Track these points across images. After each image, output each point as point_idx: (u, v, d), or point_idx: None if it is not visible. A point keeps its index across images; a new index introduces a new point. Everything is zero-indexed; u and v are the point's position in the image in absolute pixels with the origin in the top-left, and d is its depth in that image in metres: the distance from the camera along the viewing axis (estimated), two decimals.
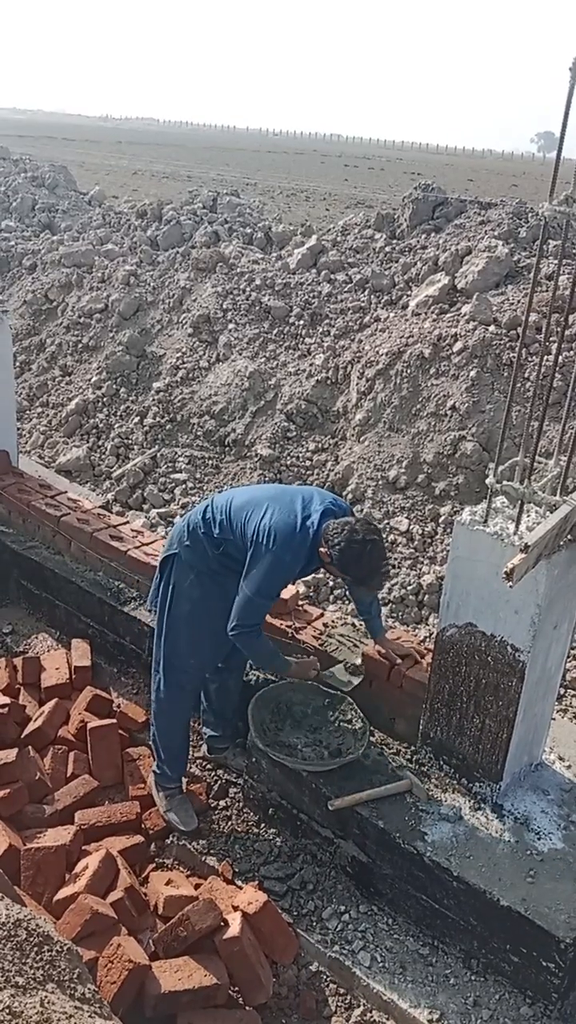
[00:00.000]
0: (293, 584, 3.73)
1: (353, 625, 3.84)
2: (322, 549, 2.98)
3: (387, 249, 8.56)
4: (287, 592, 3.65)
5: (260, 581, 3.04)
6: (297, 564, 3.06)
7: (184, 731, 3.52)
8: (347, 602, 5.39)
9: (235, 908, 2.88)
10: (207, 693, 3.65)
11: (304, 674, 3.42)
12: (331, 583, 5.51)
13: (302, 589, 5.15)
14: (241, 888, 3.06)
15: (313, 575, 5.17)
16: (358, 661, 3.50)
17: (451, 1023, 2.68)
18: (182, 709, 3.48)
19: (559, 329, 3.44)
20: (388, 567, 3.11)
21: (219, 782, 3.66)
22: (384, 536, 2.99)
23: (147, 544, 4.44)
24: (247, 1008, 2.77)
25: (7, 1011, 1.78)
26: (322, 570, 3.26)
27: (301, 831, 3.30)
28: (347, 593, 5.44)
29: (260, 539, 3.02)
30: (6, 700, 3.78)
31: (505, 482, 2.79)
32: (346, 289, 8.00)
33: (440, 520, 5.84)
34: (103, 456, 7.32)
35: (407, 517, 5.93)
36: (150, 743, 3.62)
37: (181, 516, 6.37)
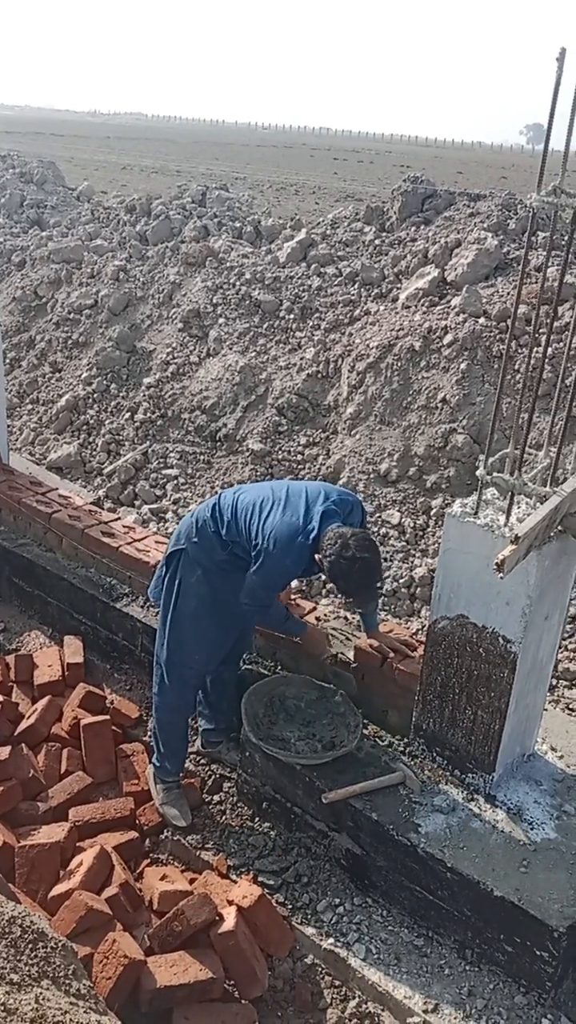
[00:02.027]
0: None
1: (346, 619, 3.85)
2: (317, 555, 2.98)
3: (376, 242, 8.55)
4: None
5: (265, 579, 3.10)
6: (299, 567, 3.08)
7: (184, 726, 3.54)
8: (341, 596, 5.39)
9: (230, 902, 2.89)
10: (203, 685, 3.66)
11: (317, 643, 3.49)
12: (324, 577, 5.51)
13: (295, 583, 5.15)
14: (236, 882, 3.06)
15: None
16: (351, 655, 3.51)
17: (446, 1013, 2.69)
18: (184, 704, 3.49)
19: (548, 320, 3.44)
20: (379, 586, 3.11)
21: (213, 777, 3.66)
22: (379, 542, 3.00)
23: (139, 540, 4.43)
24: (243, 1002, 2.78)
25: (2, 1008, 1.78)
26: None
27: (295, 825, 3.30)
28: None
29: (263, 542, 3.03)
30: None
31: (495, 474, 2.79)
32: (336, 282, 7.99)
33: (431, 513, 5.85)
34: (94, 452, 7.31)
35: (398, 510, 5.94)
36: (149, 737, 3.62)
37: (173, 511, 6.39)
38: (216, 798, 3.57)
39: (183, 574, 3.30)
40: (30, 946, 2.07)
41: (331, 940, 2.95)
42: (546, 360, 3.00)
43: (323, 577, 5.32)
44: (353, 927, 2.98)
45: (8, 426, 5.97)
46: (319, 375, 7.11)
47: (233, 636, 3.46)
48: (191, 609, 3.30)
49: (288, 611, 3.41)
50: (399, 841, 2.92)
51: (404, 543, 5.68)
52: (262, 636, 3.78)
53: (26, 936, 2.08)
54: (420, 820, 2.97)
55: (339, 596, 3.42)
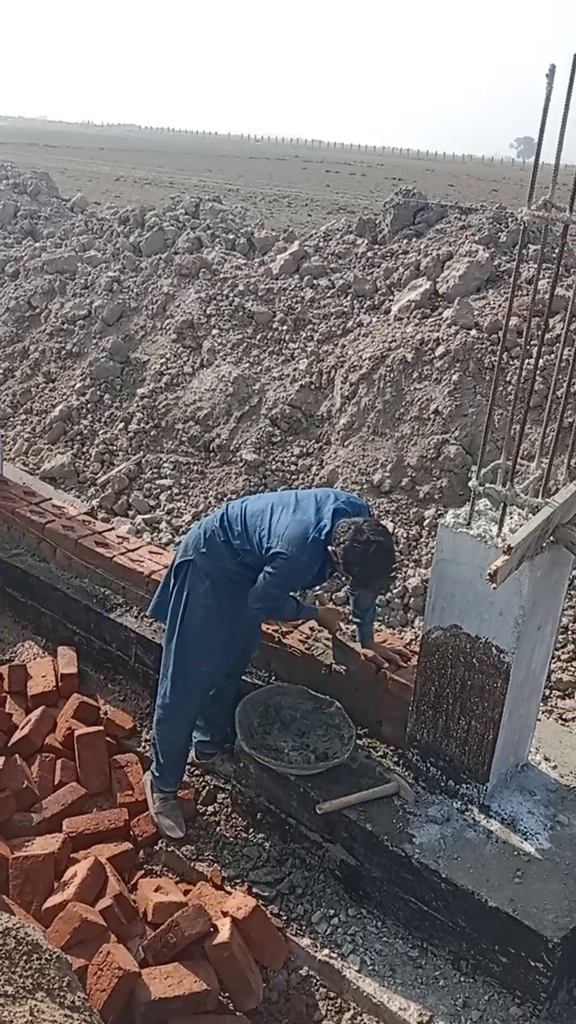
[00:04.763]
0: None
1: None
2: (330, 548, 3.00)
3: (369, 254, 8.59)
4: None
5: (280, 579, 3.11)
6: (315, 563, 3.09)
7: (186, 739, 3.53)
8: (355, 586, 5.37)
9: (224, 914, 2.88)
10: (206, 699, 3.65)
11: (332, 621, 3.57)
12: (317, 588, 5.52)
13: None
14: (230, 893, 3.06)
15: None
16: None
17: None
18: (187, 717, 3.47)
19: (539, 332, 3.47)
20: (393, 571, 3.13)
21: (207, 788, 3.65)
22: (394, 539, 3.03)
23: (133, 550, 4.44)
24: (237, 1014, 2.77)
25: None
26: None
27: (290, 835, 3.30)
28: (344, 593, 5.45)
29: (276, 544, 3.04)
30: None
31: (488, 485, 2.81)
32: (329, 294, 8.03)
33: (424, 523, 5.87)
34: (88, 463, 7.31)
35: (391, 520, 5.95)
36: (145, 748, 3.60)
37: (167, 521, 6.39)
38: (210, 809, 3.57)
39: (191, 585, 3.30)
40: (24, 958, 2.06)
41: (326, 951, 2.95)
42: (537, 372, 3.03)
43: (321, 586, 5.33)
44: (348, 938, 2.98)
45: (1, 436, 5.97)
46: (312, 386, 7.14)
47: (239, 649, 3.47)
48: (199, 621, 3.30)
49: (296, 600, 3.42)
50: (393, 852, 2.92)
51: (397, 553, 5.70)
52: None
53: (20, 948, 2.07)
54: (414, 831, 2.97)
55: (352, 589, 3.42)
